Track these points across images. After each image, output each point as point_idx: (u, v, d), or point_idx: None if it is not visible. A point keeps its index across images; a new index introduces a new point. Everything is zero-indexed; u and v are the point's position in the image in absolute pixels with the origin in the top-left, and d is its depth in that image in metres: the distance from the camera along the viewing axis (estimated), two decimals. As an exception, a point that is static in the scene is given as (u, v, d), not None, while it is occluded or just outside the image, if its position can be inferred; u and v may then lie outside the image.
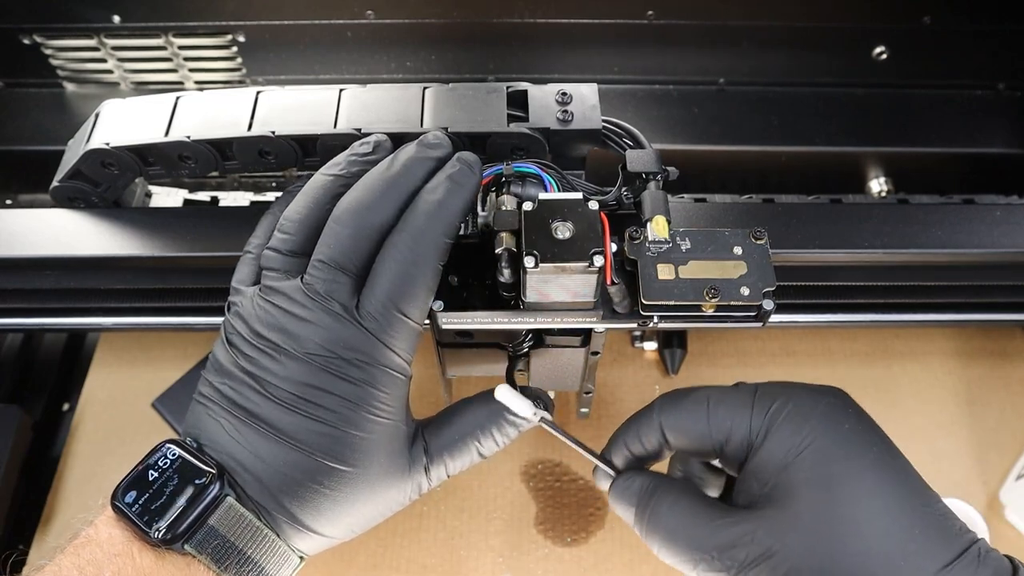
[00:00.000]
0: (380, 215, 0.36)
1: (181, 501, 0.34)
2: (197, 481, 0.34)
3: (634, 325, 0.39)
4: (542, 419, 0.40)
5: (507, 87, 0.44)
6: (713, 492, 0.43)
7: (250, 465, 0.35)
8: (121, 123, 0.46)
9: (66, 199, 0.48)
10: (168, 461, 0.35)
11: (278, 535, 0.35)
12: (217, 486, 0.34)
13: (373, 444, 0.36)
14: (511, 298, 0.38)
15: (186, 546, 0.33)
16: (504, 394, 0.40)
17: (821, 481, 0.36)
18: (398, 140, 0.43)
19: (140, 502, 0.34)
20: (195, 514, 0.33)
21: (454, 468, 0.39)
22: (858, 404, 0.40)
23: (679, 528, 0.39)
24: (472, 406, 0.40)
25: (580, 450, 0.43)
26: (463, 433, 0.39)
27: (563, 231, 0.35)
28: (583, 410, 0.52)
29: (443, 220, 0.36)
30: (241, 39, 0.61)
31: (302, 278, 0.35)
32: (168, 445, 0.35)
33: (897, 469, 0.37)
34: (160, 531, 0.33)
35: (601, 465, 0.43)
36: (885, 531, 0.35)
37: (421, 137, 0.39)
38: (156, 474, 0.34)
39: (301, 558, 0.37)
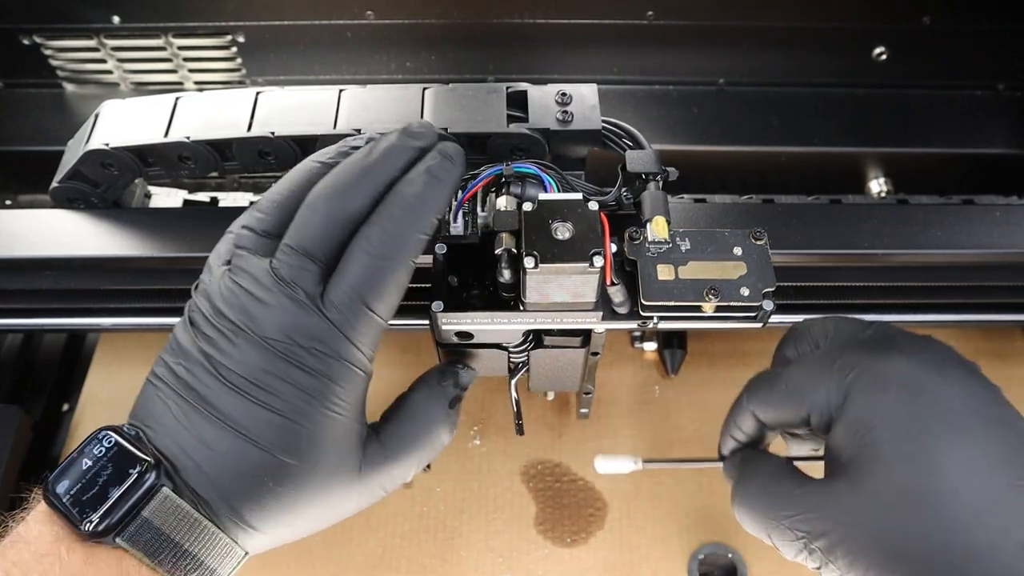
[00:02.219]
0: (354, 203, 0.35)
1: (115, 492, 0.32)
2: (131, 470, 0.32)
3: (634, 325, 0.39)
4: (644, 462, 0.47)
5: (507, 87, 0.44)
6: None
7: (194, 452, 0.33)
8: (121, 124, 0.46)
9: (66, 200, 0.48)
10: (103, 449, 0.33)
11: (220, 527, 0.34)
12: (153, 475, 0.32)
13: (322, 440, 0.34)
14: (511, 299, 0.38)
15: (117, 539, 0.32)
16: (604, 465, 0.47)
17: (897, 457, 0.34)
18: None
19: (72, 492, 0.32)
20: (128, 505, 0.32)
21: (418, 466, 0.39)
22: (959, 358, 0.37)
23: (756, 496, 0.38)
24: (426, 400, 0.39)
25: (694, 464, 0.48)
26: (423, 430, 0.38)
27: (563, 232, 0.35)
28: (583, 410, 0.52)
29: (419, 215, 0.35)
30: (241, 39, 0.61)
31: (271, 261, 0.34)
32: (105, 432, 0.34)
33: (993, 434, 0.34)
34: (92, 523, 0.32)
35: (721, 465, 0.44)
36: (966, 509, 0.32)
37: (406, 124, 0.38)
38: (90, 463, 0.33)
39: (246, 552, 0.35)
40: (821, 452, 0.40)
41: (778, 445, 0.44)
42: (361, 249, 0.34)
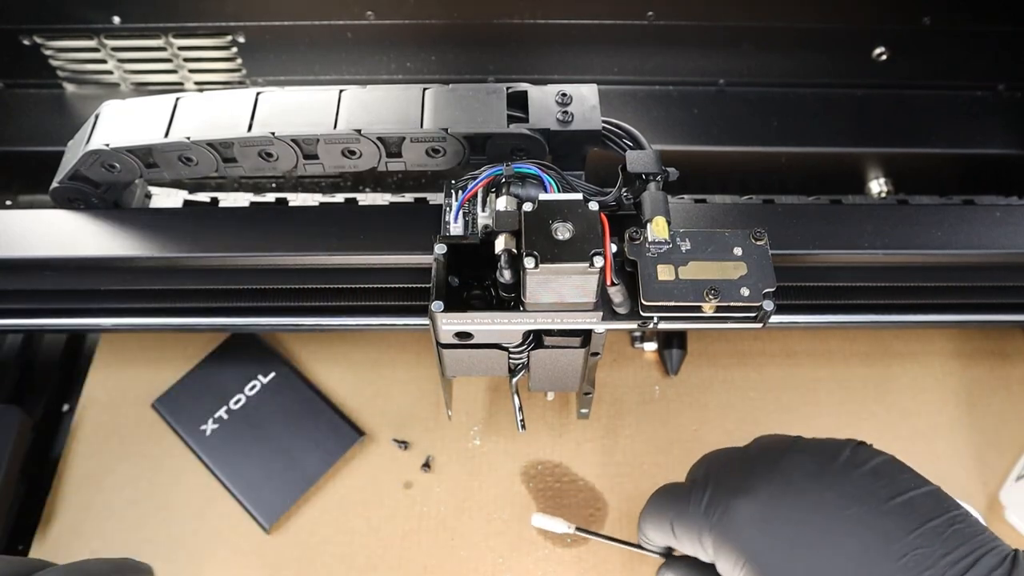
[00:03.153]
0: None
1: None
2: None
3: (634, 326, 0.39)
4: (577, 529, 0.52)
5: (507, 88, 0.44)
6: None
7: None
8: (121, 124, 0.46)
9: (66, 200, 0.48)
10: None
11: None
12: None
13: None
14: (511, 299, 0.38)
15: None
16: (540, 521, 0.51)
17: None
18: (398, 140, 0.43)
19: None
20: None
21: None
22: (815, 464, 0.39)
23: None
24: None
25: (623, 546, 0.51)
26: None
27: (563, 232, 0.35)
28: (583, 411, 0.52)
29: None
30: (241, 40, 0.61)
31: None
32: None
33: (847, 543, 0.36)
34: None
35: (647, 553, 0.48)
36: None
37: None
38: None
39: None
40: None
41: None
42: None
